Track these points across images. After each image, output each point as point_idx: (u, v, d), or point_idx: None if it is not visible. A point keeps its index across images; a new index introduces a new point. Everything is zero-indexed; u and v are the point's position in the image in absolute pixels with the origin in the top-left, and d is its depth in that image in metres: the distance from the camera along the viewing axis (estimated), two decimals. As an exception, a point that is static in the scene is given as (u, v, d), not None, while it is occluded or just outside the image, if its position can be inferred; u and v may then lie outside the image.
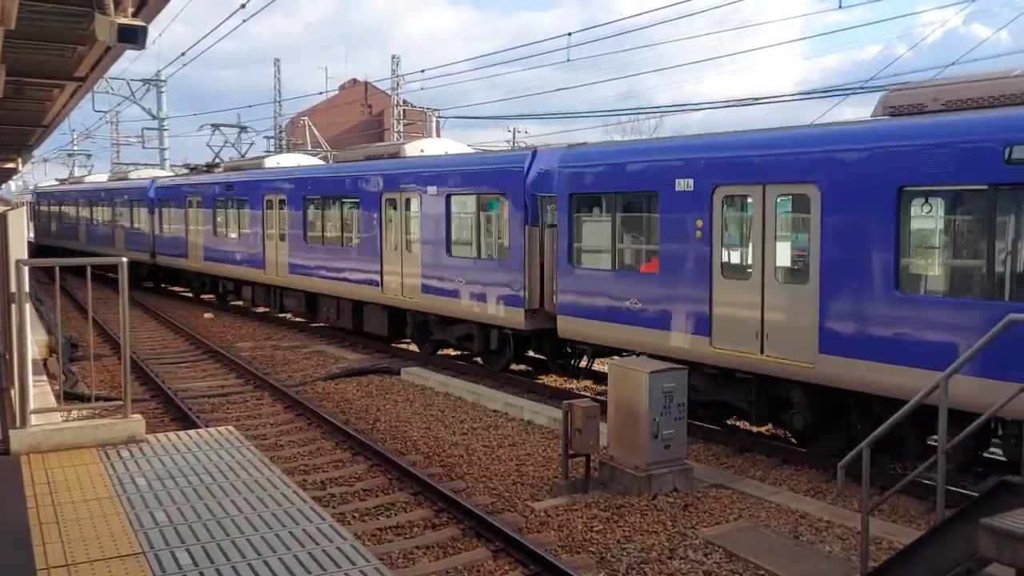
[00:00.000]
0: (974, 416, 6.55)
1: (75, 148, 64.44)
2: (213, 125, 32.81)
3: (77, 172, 59.98)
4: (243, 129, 32.57)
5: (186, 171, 33.53)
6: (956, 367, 6.22)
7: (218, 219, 26.71)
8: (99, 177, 45.12)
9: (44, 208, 48.16)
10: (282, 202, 22.64)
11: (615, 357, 12.62)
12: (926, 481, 8.63)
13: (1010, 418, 8.49)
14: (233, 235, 25.75)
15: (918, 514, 9.13)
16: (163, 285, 33.25)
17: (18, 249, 6.68)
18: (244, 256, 24.77)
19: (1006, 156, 8.53)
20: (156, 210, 31.08)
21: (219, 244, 26.56)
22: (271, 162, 25.53)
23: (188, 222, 28.54)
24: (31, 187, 64.81)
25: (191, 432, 6.42)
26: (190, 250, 28.49)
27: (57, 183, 52.57)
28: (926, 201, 9.67)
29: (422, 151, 19.53)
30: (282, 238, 22.59)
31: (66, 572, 3.99)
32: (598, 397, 12.76)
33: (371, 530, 8.76)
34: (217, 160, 31.45)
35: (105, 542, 4.32)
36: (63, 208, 44.30)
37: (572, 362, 16.13)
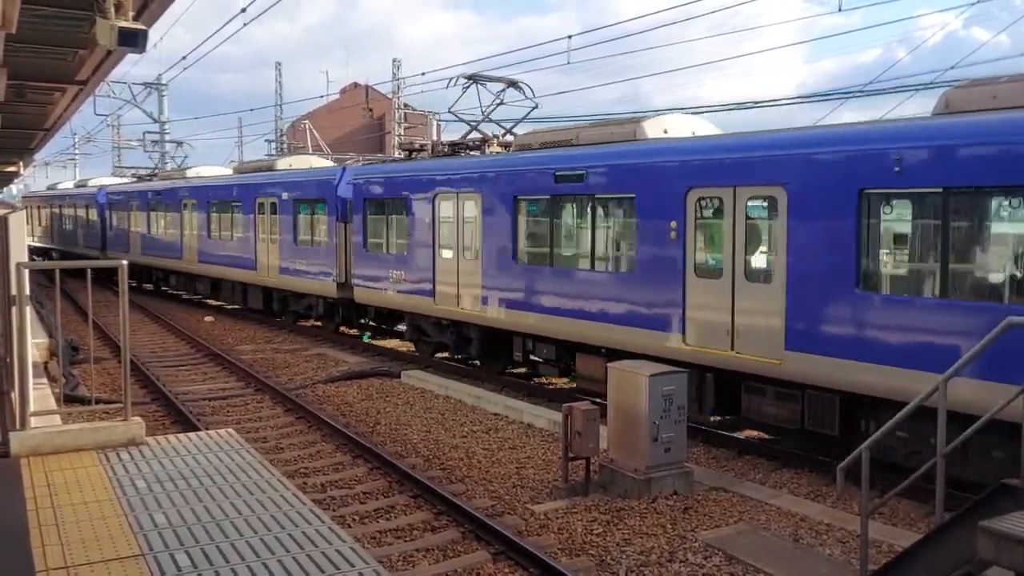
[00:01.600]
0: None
1: (76, 152, 64.53)
2: (468, 77, 19.08)
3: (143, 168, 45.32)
4: (513, 84, 18.92)
5: (399, 155, 21.00)
6: (954, 370, 6.22)
7: (526, 234, 15.26)
8: (213, 170, 33.12)
9: (119, 213, 36.19)
10: (769, 203, 10.90)
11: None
12: (925, 484, 8.62)
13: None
14: (581, 264, 14.03)
15: (918, 517, 9.13)
16: (342, 329, 22.09)
17: (19, 252, 6.69)
18: (623, 300, 12.83)
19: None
20: (354, 217, 19.91)
21: (538, 280, 14.58)
22: (654, 129, 13.56)
23: (438, 239, 16.96)
24: (32, 189, 64.69)
25: (191, 435, 6.42)
26: (444, 285, 16.73)
27: (134, 180, 40.46)
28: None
29: None
30: (750, 274, 11.18)
31: (65, 574, 4.00)
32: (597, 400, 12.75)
33: (371, 533, 8.77)
34: (456, 140, 18.99)
35: (104, 544, 4.32)
36: (156, 214, 32.15)
37: None
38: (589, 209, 13.83)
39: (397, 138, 46.67)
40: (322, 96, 61.18)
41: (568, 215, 14.60)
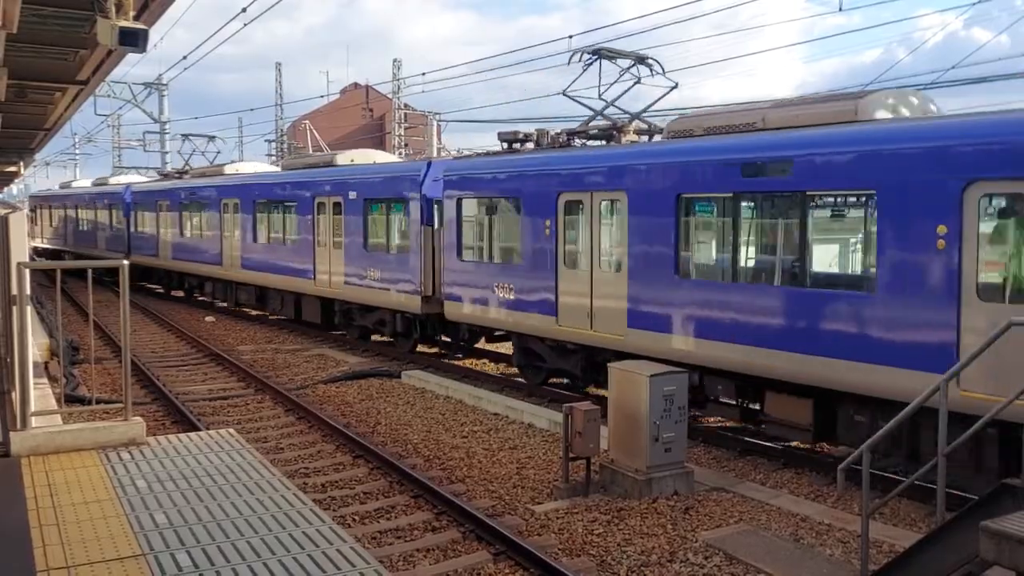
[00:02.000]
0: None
1: (77, 152, 64.58)
2: (592, 52, 15.20)
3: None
4: (641, 60, 15.40)
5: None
6: (955, 371, 6.22)
7: (695, 241, 12.63)
8: (253, 166, 28.71)
9: (148, 213, 31.45)
10: None
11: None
12: (926, 484, 8.61)
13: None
14: (784, 281, 11.01)
15: (919, 517, 9.12)
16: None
17: (19, 252, 6.69)
18: (853, 327, 9.94)
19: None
20: (445, 219, 16.90)
21: (715, 300, 11.59)
22: (879, 106, 10.73)
23: (562, 246, 14.11)
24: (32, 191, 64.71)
25: (192, 435, 6.42)
26: (572, 301, 13.82)
27: (160, 178, 35.67)
28: None
29: None
30: None
31: (66, 574, 4.00)
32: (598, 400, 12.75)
33: (371, 533, 8.77)
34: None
35: (105, 544, 4.32)
36: (191, 214, 28.01)
37: None
38: (797, 210, 10.73)
39: (397, 138, 46.69)
40: (323, 96, 61.19)
41: (761, 218, 11.58)
